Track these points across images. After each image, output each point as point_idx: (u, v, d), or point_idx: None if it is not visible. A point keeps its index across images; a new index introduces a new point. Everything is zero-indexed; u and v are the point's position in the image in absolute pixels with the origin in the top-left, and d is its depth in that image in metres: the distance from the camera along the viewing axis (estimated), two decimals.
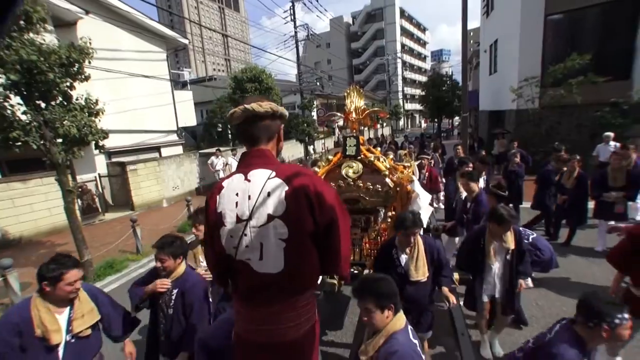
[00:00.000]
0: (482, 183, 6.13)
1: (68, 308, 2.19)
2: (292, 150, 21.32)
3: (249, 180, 1.45)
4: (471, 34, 56.18)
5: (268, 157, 1.52)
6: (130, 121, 12.12)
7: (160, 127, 13.73)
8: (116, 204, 11.85)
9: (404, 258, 2.96)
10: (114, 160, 11.76)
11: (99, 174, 11.08)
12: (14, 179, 8.76)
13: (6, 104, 5.05)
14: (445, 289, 2.99)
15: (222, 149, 14.09)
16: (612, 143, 8.19)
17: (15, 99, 5.24)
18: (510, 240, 3.23)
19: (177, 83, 16.20)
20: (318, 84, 28.48)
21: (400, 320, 1.91)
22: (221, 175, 13.03)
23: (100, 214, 10.78)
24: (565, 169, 6.13)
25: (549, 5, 11.85)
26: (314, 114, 23.96)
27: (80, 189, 9.62)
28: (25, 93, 5.23)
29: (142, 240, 7.54)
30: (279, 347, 1.49)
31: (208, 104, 22.80)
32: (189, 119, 15.66)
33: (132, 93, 12.14)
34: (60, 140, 5.76)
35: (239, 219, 1.43)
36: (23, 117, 5.31)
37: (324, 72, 40.47)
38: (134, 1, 11.03)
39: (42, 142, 5.45)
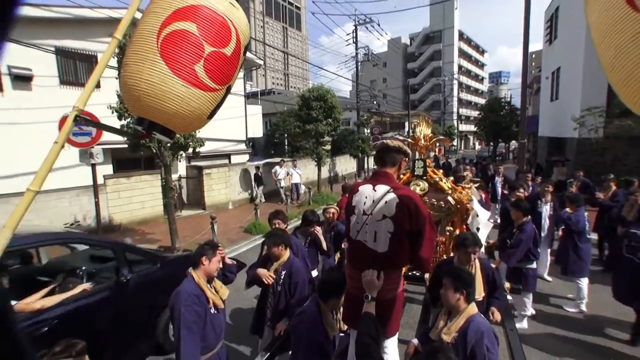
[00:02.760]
0: (548, 209, 6.07)
1: (208, 285, 2.72)
2: (345, 165, 22.09)
3: (375, 190, 2.25)
4: (533, 56, 54.16)
5: (390, 177, 2.31)
6: (207, 130, 13.61)
7: (232, 137, 15.23)
8: (190, 202, 13.31)
9: None
10: (192, 164, 13.28)
11: (180, 175, 12.60)
12: (121, 175, 10.52)
13: None
14: (493, 308, 3.25)
15: (285, 159, 15.24)
16: None
17: None
18: None
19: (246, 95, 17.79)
20: (375, 102, 29.38)
21: (474, 308, 2.31)
22: (282, 184, 14.04)
23: (178, 210, 12.21)
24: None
25: None
26: (367, 131, 24.69)
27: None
28: None
29: (218, 235, 8.63)
30: (377, 303, 2.15)
31: (268, 115, 24.37)
32: (257, 130, 17.11)
33: None
34: (169, 145, 7.05)
35: (364, 213, 2.25)
36: None
37: (380, 90, 41.19)
38: None
39: (158, 146, 6.76)
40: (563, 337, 4.45)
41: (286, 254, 3.37)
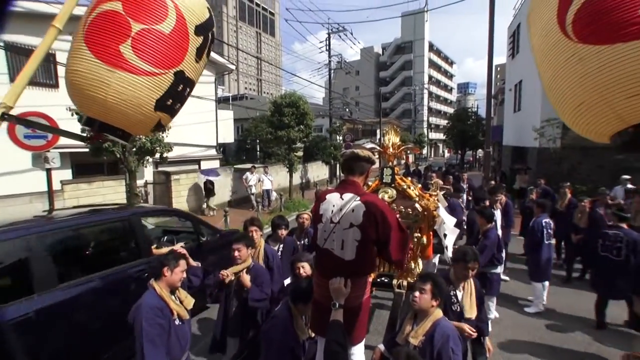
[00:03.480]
0: (498, 215, 6.26)
1: (172, 296, 2.67)
2: (317, 172, 22.08)
3: (342, 199, 2.26)
4: (498, 69, 56.69)
5: (357, 186, 2.32)
6: (176, 135, 13.24)
7: (202, 142, 14.92)
8: None
9: (459, 294, 3.01)
10: (160, 169, 12.87)
11: (146, 181, 12.19)
12: (82, 181, 10.00)
13: None
14: (487, 339, 3.14)
15: (256, 165, 15.05)
16: (629, 186, 8.41)
17: None
18: None
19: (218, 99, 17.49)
20: (347, 109, 29.71)
21: (440, 312, 2.39)
22: (253, 190, 13.82)
23: None
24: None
25: None
26: (340, 138, 24.84)
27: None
28: None
29: None
30: (344, 310, 2.16)
31: (240, 121, 24.09)
32: (228, 136, 16.85)
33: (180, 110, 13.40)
34: (134, 150, 6.81)
35: (331, 221, 2.24)
36: None
37: (353, 98, 41.69)
38: None
39: (123, 151, 6.51)
40: (524, 338, 4.63)
41: (249, 260, 3.38)
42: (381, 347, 2.75)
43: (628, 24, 1.17)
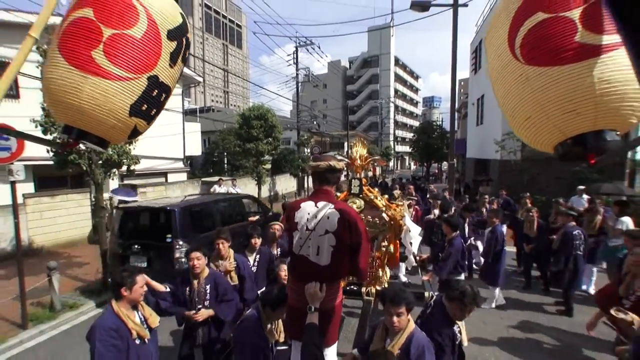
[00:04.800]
0: (467, 226, 6.79)
1: (135, 312, 2.59)
2: (285, 184, 22.08)
3: (317, 207, 2.38)
4: (462, 83, 59.23)
5: (330, 194, 2.46)
6: (142, 147, 12.91)
7: (168, 155, 14.63)
8: None
9: (457, 329, 2.81)
10: (126, 182, 12.50)
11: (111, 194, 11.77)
12: (45, 194, 9.57)
13: None
14: None
15: (224, 178, 14.92)
16: (584, 196, 8.86)
17: None
18: None
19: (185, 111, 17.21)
20: (315, 122, 30.03)
21: (412, 323, 2.43)
22: None
23: (108, 231, 11.33)
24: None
25: None
26: (308, 150, 25.02)
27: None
28: None
29: None
30: (319, 312, 2.25)
31: (207, 133, 23.81)
32: (195, 148, 16.59)
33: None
34: (100, 162, 6.63)
35: (307, 228, 2.36)
36: None
37: (320, 111, 42.22)
38: None
39: (89, 164, 6.33)
40: (490, 337, 4.95)
41: (207, 270, 3.39)
42: (355, 351, 2.81)
43: (565, 50, 1.38)
